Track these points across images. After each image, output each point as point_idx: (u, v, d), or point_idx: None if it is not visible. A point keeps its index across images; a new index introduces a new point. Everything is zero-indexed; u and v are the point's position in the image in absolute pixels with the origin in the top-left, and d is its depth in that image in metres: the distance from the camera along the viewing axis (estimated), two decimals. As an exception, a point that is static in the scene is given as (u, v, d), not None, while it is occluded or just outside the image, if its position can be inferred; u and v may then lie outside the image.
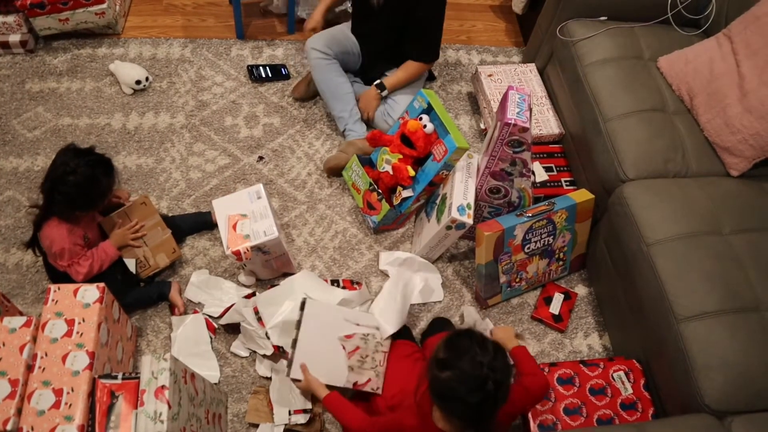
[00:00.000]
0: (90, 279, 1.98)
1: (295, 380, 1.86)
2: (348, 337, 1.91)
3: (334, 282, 2.20)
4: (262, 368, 2.06)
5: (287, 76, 2.83)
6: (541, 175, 2.49)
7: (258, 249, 2.01)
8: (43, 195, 1.88)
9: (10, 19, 2.69)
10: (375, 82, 2.60)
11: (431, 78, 2.90)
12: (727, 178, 2.15)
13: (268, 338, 1.98)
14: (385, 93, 2.59)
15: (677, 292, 1.84)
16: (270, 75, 2.82)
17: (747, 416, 1.66)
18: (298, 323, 1.86)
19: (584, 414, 1.89)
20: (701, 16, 2.50)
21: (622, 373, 1.97)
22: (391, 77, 2.60)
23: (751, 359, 1.72)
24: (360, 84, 2.74)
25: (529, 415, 1.88)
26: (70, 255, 1.94)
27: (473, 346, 1.41)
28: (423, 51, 2.57)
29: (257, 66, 2.84)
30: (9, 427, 1.51)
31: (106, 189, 1.93)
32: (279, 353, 1.99)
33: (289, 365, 1.83)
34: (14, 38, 2.73)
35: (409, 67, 2.59)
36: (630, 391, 1.94)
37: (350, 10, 2.79)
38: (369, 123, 2.67)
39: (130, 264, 2.10)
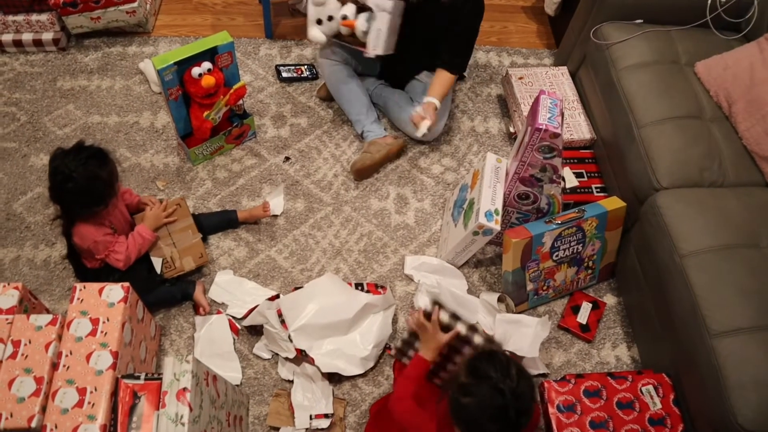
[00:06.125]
0: (120, 275, 1.99)
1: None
2: None
3: (359, 285, 2.18)
4: (284, 371, 2.05)
5: (315, 77, 2.82)
6: (571, 180, 2.44)
7: None
8: (55, 204, 1.89)
9: (44, 17, 2.73)
10: (426, 100, 2.43)
11: (461, 79, 2.86)
12: (766, 189, 2.08)
13: (291, 341, 1.97)
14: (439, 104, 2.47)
15: (711, 305, 1.78)
16: (297, 75, 2.81)
17: (782, 438, 1.60)
18: None
19: (611, 428, 1.85)
20: (742, 20, 2.42)
21: (651, 387, 1.92)
22: (436, 89, 2.44)
23: (788, 379, 1.66)
24: (386, 86, 2.71)
25: (554, 427, 1.84)
26: (104, 246, 1.96)
27: (496, 373, 1.38)
28: (458, 62, 2.46)
29: (285, 65, 2.83)
30: (33, 424, 1.52)
31: (109, 179, 1.90)
32: (301, 356, 1.98)
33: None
34: (47, 36, 2.77)
35: (444, 79, 2.45)
36: (659, 406, 1.89)
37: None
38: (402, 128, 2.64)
39: (157, 263, 2.10)
